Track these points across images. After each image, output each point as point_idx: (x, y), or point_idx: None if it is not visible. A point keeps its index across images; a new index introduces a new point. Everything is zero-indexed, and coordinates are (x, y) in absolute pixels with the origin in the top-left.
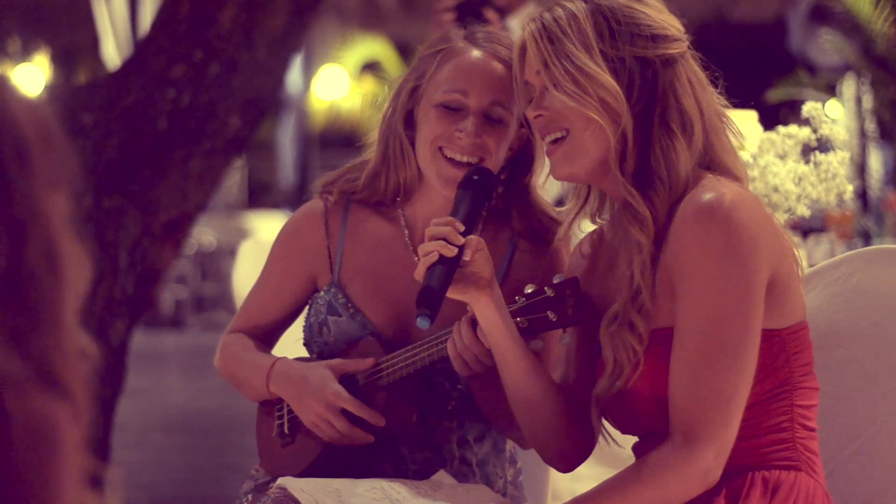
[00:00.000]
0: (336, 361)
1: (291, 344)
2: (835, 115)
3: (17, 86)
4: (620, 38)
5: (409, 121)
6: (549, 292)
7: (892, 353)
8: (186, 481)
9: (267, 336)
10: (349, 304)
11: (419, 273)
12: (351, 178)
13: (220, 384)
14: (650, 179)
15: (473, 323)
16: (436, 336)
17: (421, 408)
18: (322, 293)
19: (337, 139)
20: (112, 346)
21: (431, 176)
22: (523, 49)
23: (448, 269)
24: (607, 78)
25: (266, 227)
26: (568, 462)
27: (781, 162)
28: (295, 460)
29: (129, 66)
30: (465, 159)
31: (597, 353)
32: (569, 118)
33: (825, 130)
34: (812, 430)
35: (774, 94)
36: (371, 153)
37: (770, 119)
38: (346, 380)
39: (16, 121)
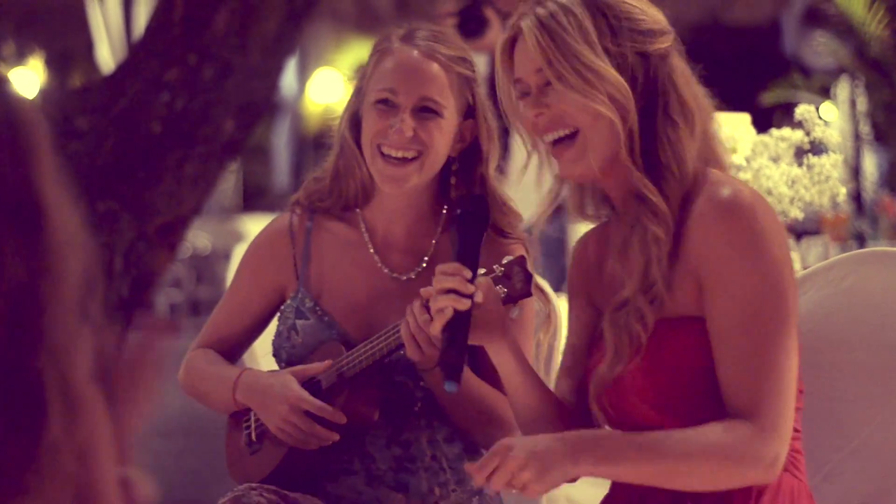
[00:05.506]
0: (298, 368)
1: (262, 357)
2: (829, 117)
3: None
4: (620, 33)
5: (356, 123)
6: (498, 270)
7: (887, 355)
8: (182, 485)
9: (232, 350)
10: (317, 308)
11: (435, 330)
12: (316, 184)
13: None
14: (660, 172)
15: (428, 305)
16: (393, 326)
17: (382, 405)
18: (290, 301)
19: (331, 142)
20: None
21: (374, 173)
22: (510, 46)
23: (464, 322)
24: (614, 73)
25: (260, 230)
26: None
27: (775, 165)
28: (261, 465)
29: (123, 69)
30: (400, 154)
31: (595, 343)
32: (575, 115)
33: (818, 133)
34: (797, 430)
35: (768, 97)
36: (331, 160)
37: (763, 122)
38: (310, 383)
39: (22, 119)
